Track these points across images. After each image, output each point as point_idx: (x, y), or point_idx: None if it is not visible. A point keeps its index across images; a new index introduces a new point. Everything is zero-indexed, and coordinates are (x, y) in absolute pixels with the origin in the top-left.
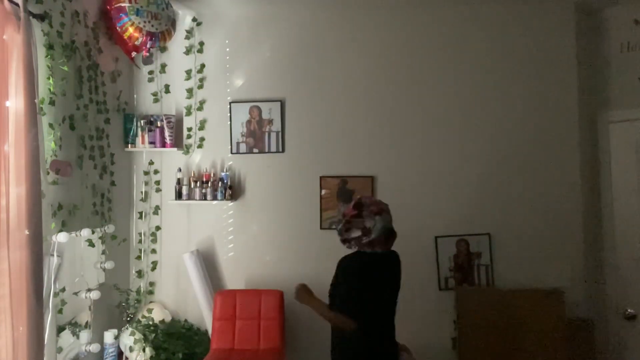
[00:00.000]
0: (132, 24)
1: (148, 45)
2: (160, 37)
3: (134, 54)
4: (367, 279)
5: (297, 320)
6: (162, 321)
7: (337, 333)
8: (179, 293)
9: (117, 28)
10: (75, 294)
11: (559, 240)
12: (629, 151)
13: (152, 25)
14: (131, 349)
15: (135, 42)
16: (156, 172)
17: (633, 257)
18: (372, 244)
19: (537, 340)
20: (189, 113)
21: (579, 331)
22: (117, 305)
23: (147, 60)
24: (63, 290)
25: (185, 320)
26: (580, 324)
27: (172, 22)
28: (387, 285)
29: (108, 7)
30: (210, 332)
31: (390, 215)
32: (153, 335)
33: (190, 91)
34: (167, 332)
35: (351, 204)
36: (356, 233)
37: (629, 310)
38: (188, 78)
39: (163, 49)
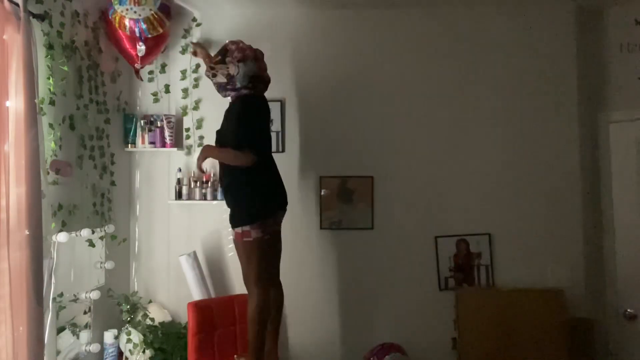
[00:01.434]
0: (118, 14)
1: (137, 33)
2: (146, 22)
3: (137, 65)
4: (261, 119)
5: (309, 322)
6: (162, 322)
7: (230, 176)
8: (179, 293)
9: (109, 17)
10: (75, 300)
11: (559, 240)
12: (629, 151)
13: (135, 12)
14: (131, 350)
15: (127, 32)
16: (156, 172)
17: (633, 258)
18: (236, 90)
19: (537, 340)
20: (186, 113)
21: (579, 331)
22: (117, 304)
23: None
24: (61, 295)
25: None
26: (580, 324)
27: (162, 7)
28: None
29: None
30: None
31: (259, 62)
32: (153, 335)
33: (188, 91)
34: (167, 332)
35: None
36: (221, 79)
37: (629, 310)
38: (183, 78)
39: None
